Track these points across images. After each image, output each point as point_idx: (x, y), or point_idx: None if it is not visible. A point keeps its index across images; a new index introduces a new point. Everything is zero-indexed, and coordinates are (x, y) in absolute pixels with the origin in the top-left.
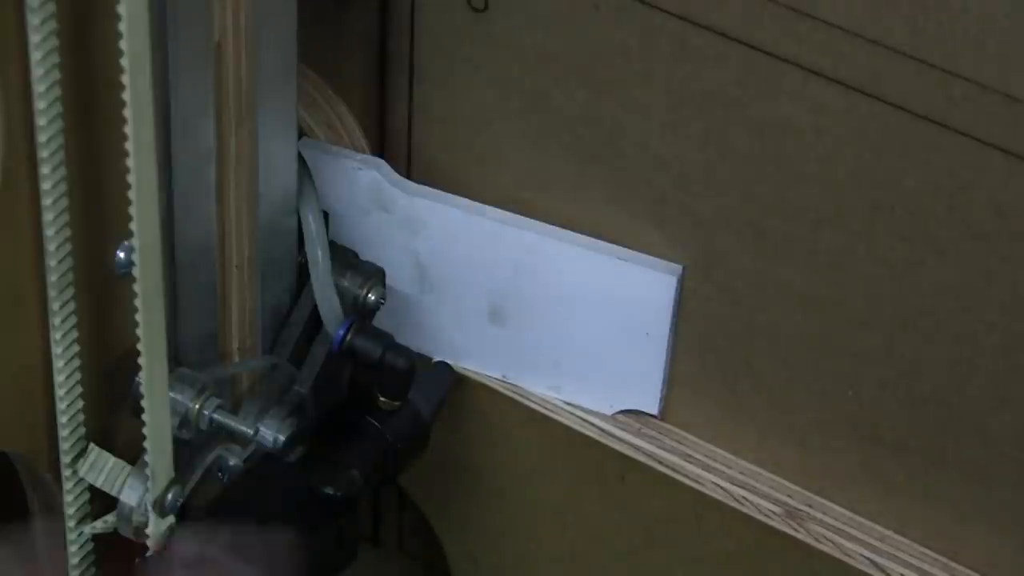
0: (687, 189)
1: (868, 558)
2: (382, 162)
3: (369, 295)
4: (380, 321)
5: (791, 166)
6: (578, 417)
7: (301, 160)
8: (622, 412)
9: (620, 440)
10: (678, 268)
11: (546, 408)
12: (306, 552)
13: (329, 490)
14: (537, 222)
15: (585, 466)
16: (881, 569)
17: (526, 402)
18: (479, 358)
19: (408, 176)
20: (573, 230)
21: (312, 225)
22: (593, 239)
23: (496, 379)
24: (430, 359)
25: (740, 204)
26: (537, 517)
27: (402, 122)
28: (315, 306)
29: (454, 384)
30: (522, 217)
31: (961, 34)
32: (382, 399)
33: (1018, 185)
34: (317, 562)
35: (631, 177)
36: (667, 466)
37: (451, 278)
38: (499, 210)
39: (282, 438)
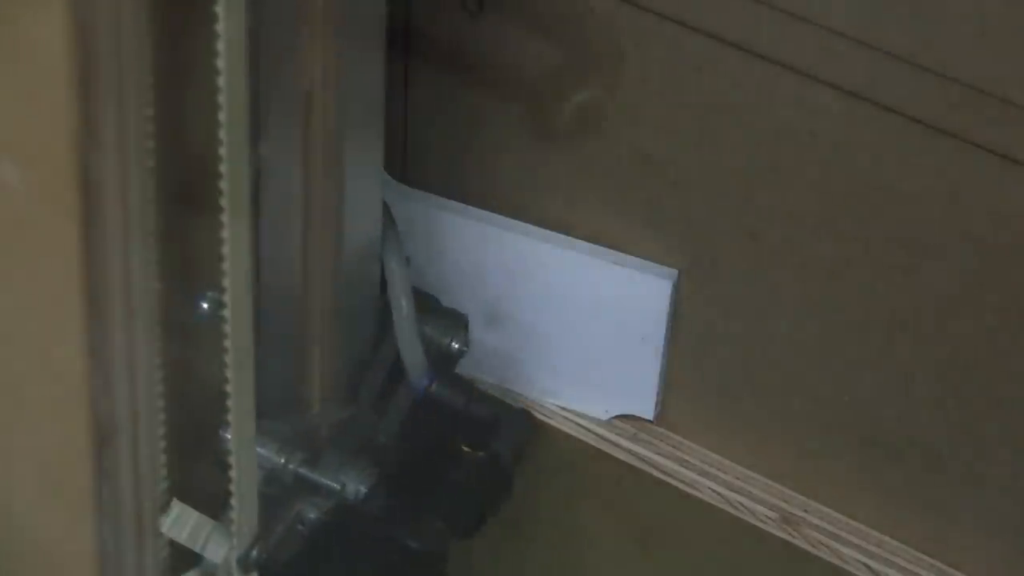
0: (683, 193)
1: (864, 563)
2: None
3: (452, 343)
4: None
5: (787, 170)
6: (574, 422)
7: (385, 207)
8: (618, 417)
9: (616, 445)
10: (674, 273)
11: (542, 413)
12: None
13: (414, 544)
14: (533, 227)
15: (581, 471)
16: (876, 573)
17: (522, 407)
18: (474, 363)
19: (404, 180)
20: (569, 235)
21: (396, 272)
22: (589, 244)
23: (492, 384)
24: (510, 405)
25: (736, 208)
26: (532, 521)
27: (397, 125)
28: (397, 354)
29: (534, 430)
30: (518, 222)
31: (958, 39)
32: (465, 448)
33: (1014, 189)
34: None
35: (627, 182)
36: (663, 471)
37: (447, 283)
38: (495, 215)
39: (363, 489)
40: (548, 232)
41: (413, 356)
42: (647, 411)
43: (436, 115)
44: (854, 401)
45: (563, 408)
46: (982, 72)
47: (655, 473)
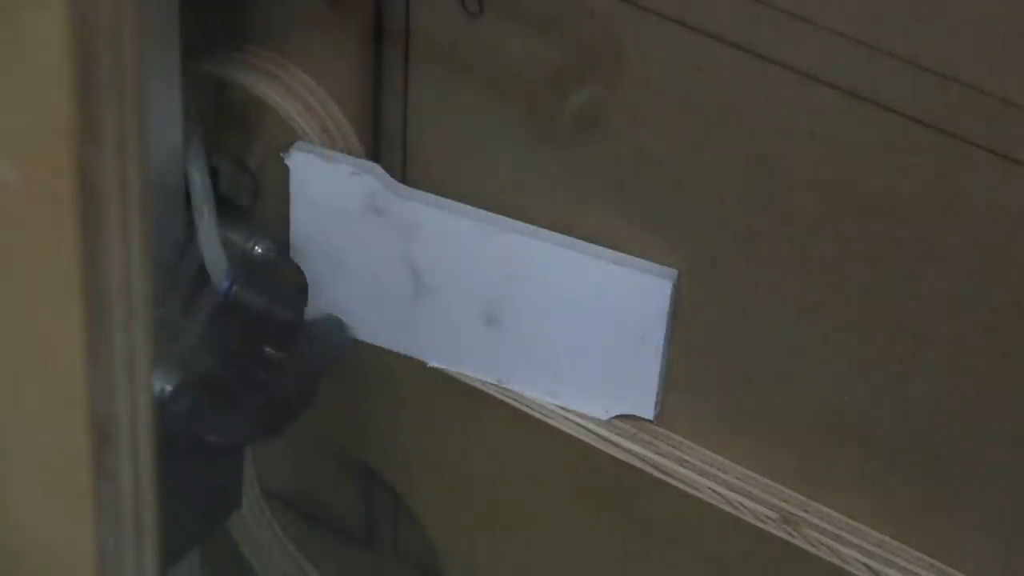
0: (683, 193)
1: (864, 563)
2: (377, 167)
3: (256, 247)
4: (369, 322)
5: (787, 170)
6: (573, 422)
7: (188, 115)
8: (618, 417)
9: (616, 445)
10: (674, 273)
11: (542, 413)
12: (190, 500)
13: (212, 437)
14: (532, 227)
15: (581, 471)
16: (876, 573)
17: (521, 407)
18: (474, 363)
19: (403, 180)
20: (569, 235)
21: (197, 178)
22: (589, 244)
23: (491, 384)
24: (327, 315)
25: (735, 209)
26: (532, 521)
27: (397, 126)
28: (202, 258)
29: (348, 337)
30: (517, 222)
31: (958, 38)
32: (269, 350)
33: (1014, 189)
34: (200, 509)
35: (626, 182)
36: (663, 471)
37: (446, 283)
38: (494, 215)
39: (169, 388)
40: (548, 232)
41: (214, 258)
42: (647, 411)
43: (436, 115)
44: (854, 401)
45: (563, 408)
46: (982, 72)
47: (655, 473)
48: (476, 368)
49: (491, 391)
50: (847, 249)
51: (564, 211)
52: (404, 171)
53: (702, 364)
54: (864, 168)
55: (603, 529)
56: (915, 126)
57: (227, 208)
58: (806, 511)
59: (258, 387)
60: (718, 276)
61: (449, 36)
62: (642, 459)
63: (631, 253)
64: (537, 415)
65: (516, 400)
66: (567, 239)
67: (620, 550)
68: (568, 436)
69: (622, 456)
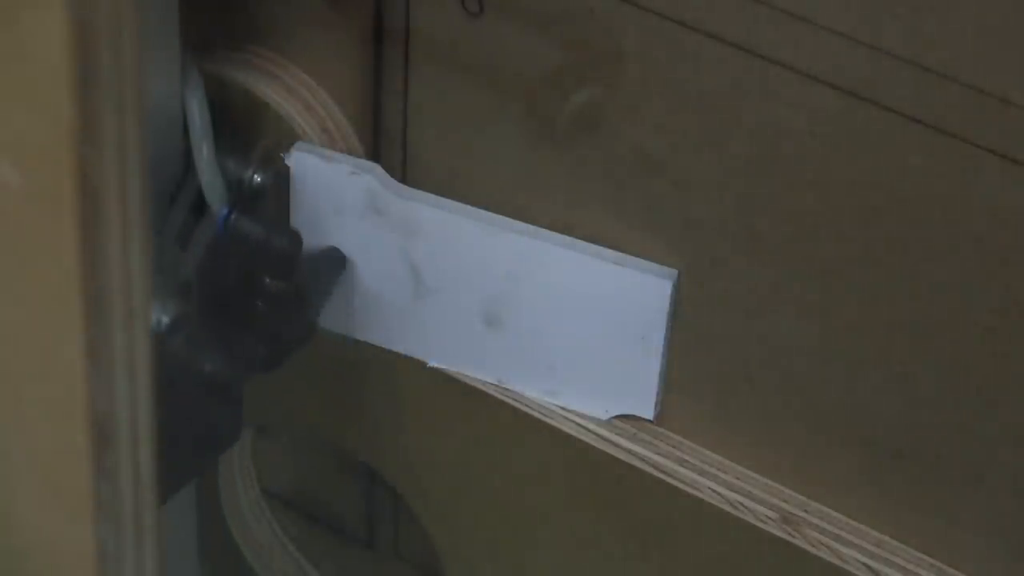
0: (683, 193)
1: (864, 563)
2: (376, 166)
3: (255, 176)
4: (369, 322)
5: (787, 170)
6: (573, 422)
7: (185, 47)
8: (618, 417)
9: (616, 445)
10: (674, 273)
11: (541, 413)
12: (188, 432)
13: (210, 369)
14: (532, 226)
15: (581, 471)
16: (876, 573)
17: (521, 407)
18: (474, 363)
19: (403, 180)
20: (569, 235)
21: (195, 108)
22: (588, 243)
23: (491, 384)
24: (329, 249)
25: (736, 209)
26: (532, 521)
27: (397, 125)
28: (200, 188)
29: (343, 264)
30: (517, 222)
31: (958, 38)
32: (268, 281)
33: (1014, 189)
34: (198, 442)
35: (627, 182)
36: (663, 471)
37: (446, 283)
38: (494, 214)
39: (166, 319)
40: (548, 232)
41: (212, 189)
42: (647, 411)
43: (436, 115)
44: (854, 401)
45: (563, 408)
46: (982, 72)
47: (655, 473)
48: (476, 368)
49: (491, 391)
50: (847, 249)
51: (564, 211)
52: (404, 171)
53: (702, 364)
54: (864, 168)
55: (603, 529)
56: (915, 126)
57: (226, 135)
58: (806, 511)
59: (257, 318)
60: (718, 276)
61: (449, 36)
62: (642, 459)
63: (631, 253)
64: (537, 415)
65: (516, 400)
66: (567, 239)
67: (620, 550)
68: (568, 436)
69: (622, 456)
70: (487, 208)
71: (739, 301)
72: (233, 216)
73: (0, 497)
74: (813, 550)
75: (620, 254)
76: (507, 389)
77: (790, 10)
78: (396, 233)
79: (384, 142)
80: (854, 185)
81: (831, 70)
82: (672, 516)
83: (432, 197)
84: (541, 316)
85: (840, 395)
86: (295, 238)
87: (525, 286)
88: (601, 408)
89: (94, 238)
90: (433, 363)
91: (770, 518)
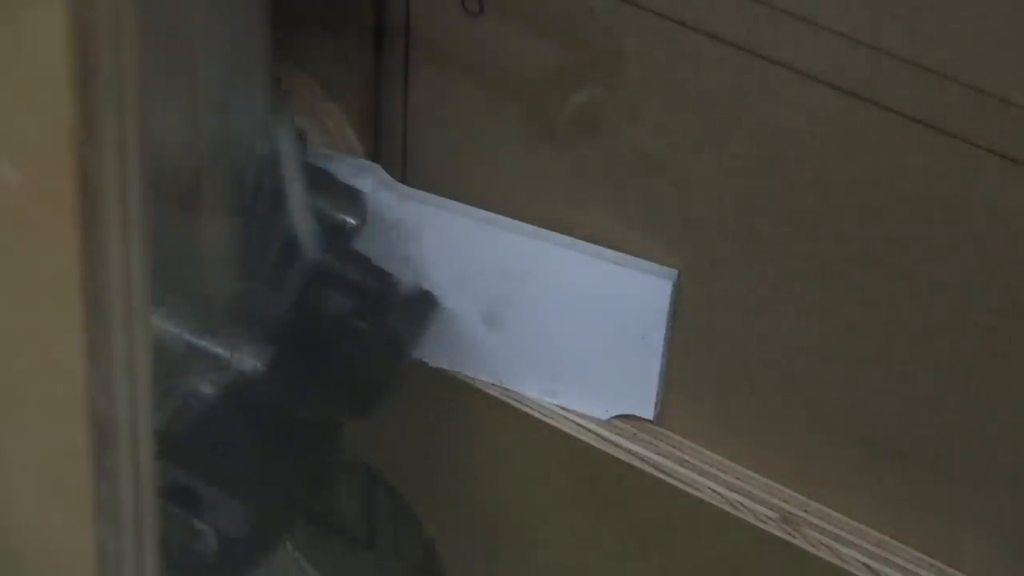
0: (683, 193)
1: (864, 563)
2: (376, 167)
3: (346, 217)
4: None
5: (787, 170)
6: (573, 422)
7: (275, 82)
8: (618, 417)
9: (616, 445)
10: (674, 273)
11: (541, 413)
12: (283, 479)
13: (307, 416)
14: (532, 227)
15: (580, 471)
16: (876, 573)
17: (521, 407)
18: (474, 363)
19: (403, 180)
20: (569, 235)
21: (287, 147)
22: (588, 243)
23: (491, 384)
24: (416, 287)
25: (736, 209)
26: (532, 521)
27: (397, 126)
28: (291, 229)
29: (434, 306)
30: (517, 222)
31: (958, 39)
32: (360, 324)
33: (1014, 189)
34: (294, 489)
35: (627, 182)
36: (663, 471)
37: (446, 283)
38: (494, 215)
39: (257, 363)
40: (548, 232)
41: (305, 230)
42: (647, 411)
43: (436, 115)
44: (854, 401)
45: (563, 408)
46: (982, 72)
47: (655, 473)
48: (476, 368)
49: (491, 391)
50: (847, 249)
51: (564, 211)
52: (404, 171)
53: (702, 364)
54: (864, 168)
55: (603, 529)
56: (915, 126)
57: (315, 176)
58: (806, 511)
59: (348, 360)
60: (718, 276)
61: (449, 36)
62: (642, 459)
63: (631, 253)
64: (537, 415)
65: (516, 400)
66: (567, 239)
67: (620, 550)
68: (568, 436)
69: (622, 456)
70: (487, 208)
71: (739, 301)
72: (327, 258)
73: (0, 497)
74: (813, 550)
75: (620, 254)
76: (507, 389)
77: (790, 10)
78: (396, 233)
79: (384, 142)
80: (854, 185)
81: (831, 70)
82: (672, 516)
83: (432, 197)
84: (541, 316)
85: (840, 395)
86: (389, 280)
87: (525, 286)
88: (601, 408)
89: (94, 238)
90: (433, 363)
91: (770, 518)
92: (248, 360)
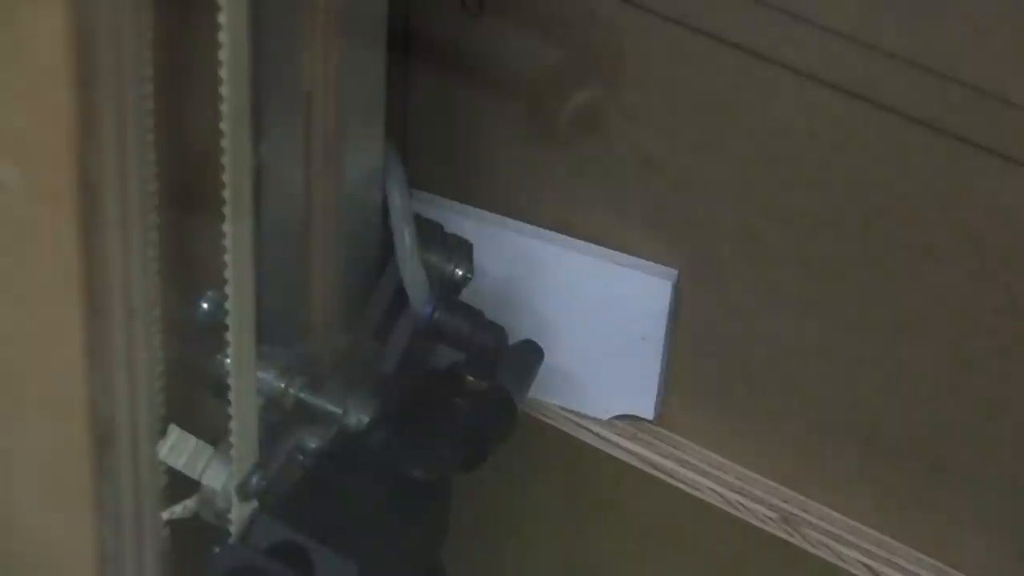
0: (683, 193)
1: (863, 563)
2: None
3: (456, 270)
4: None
5: (787, 170)
6: (574, 422)
7: (387, 137)
8: (618, 417)
9: (616, 445)
10: (674, 273)
11: (542, 413)
12: (393, 538)
13: (418, 473)
14: (532, 227)
15: (581, 471)
16: (876, 573)
17: (521, 407)
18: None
19: None
20: (569, 235)
21: (398, 199)
22: (589, 244)
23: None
24: (520, 338)
25: (736, 209)
26: (532, 521)
27: (397, 126)
28: (400, 282)
29: (540, 359)
30: (518, 222)
31: (957, 38)
32: (470, 378)
33: (1013, 189)
34: (405, 548)
35: (627, 182)
36: (662, 471)
37: None
38: (495, 215)
39: (366, 418)
40: (548, 232)
41: (415, 283)
42: (647, 411)
43: (436, 115)
44: (854, 401)
45: (563, 408)
46: (982, 72)
47: (655, 473)
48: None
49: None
50: (848, 249)
51: (564, 211)
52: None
53: (702, 364)
54: (864, 168)
55: (603, 528)
56: (915, 126)
57: (425, 227)
58: (805, 511)
59: (457, 416)
60: (718, 276)
61: (449, 36)
62: (642, 459)
63: (631, 253)
64: (538, 415)
65: (516, 400)
66: (567, 239)
67: (620, 550)
68: (568, 436)
69: (622, 456)
70: (487, 208)
71: (739, 301)
72: (437, 313)
73: (0, 497)
74: (813, 550)
75: (620, 254)
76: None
77: (790, 10)
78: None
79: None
80: (854, 185)
81: (831, 70)
82: (672, 516)
83: (432, 197)
84: (541, 316)
85: (840, 395)
86: (500, 334)
87: (525, 286)
88: (601, 408)
89: (94, 238)
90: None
91: (770, 518)
92: (355, 415)
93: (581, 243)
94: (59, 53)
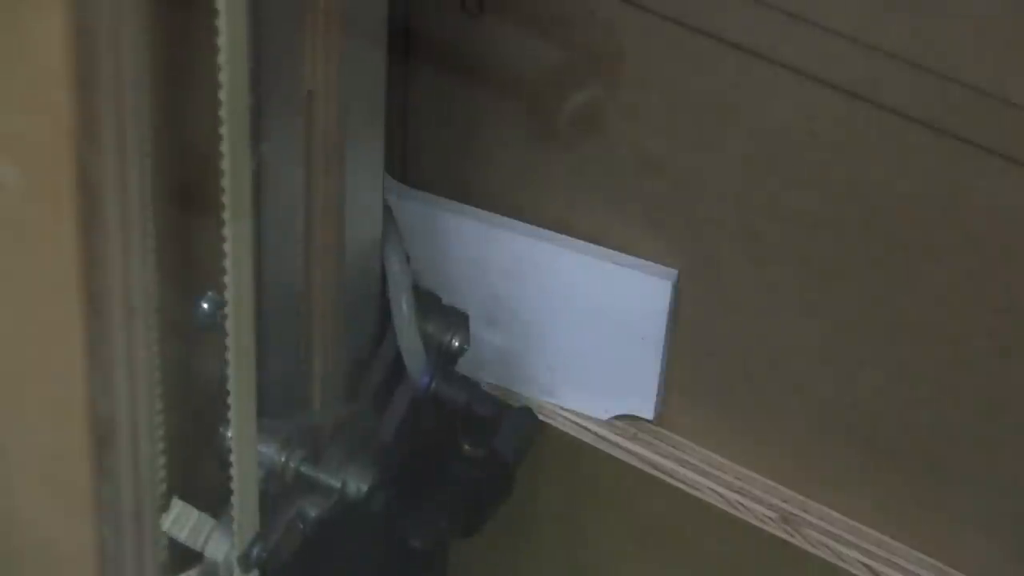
0: (683, 193)
1: (863, 563)
2: None
3: (453, 341)
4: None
5: (787, 171)
6: (574, 422)
7: (386, 206)
8: (618, 417)
9: (616, 445)
10: (674, 273)
11: (542, 413)
12: None
13: (416, 542)
14: (532, 227)
15: (581, 471)
16: (876, 573)
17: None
18: (475, 363)
19: (403, 180)
20: (569, 235)
21: (396, 270)
22: (589, 244)
23: (492, 384)
24: (512, 404)
25: (735, 209)
26: (533, 521)
27: (397, 126)
28: (398, 352)
29: (537, 428)
30: (517, 222)
31: (958, 39)
32: (467, 447)
33: (1013, 189)
34: None
35: (627, 181)
36: (662, 471)
37: (446, 283)
38: (495, 215)
39: (364, 487)
40: (548, 232)
41: (413, 354)
42: (647, 411)
43: (436, 115)
44: (854, 401)
45: (563, 408)
46: (982, 72)
47: (655, 473)
48: (476, 368)
49: (491, 391)
50: (847, 249)
51: (564, 211)
52: (404, 171)
53: (702, 364)
54: (864, 168)
55: (603, 529)
56: (915, 126)
57: (421, 298)
58: (805, 511)
59: (455, 484)
60: (718, 276)
61: (449, 36)
62: (642, 459)
63: (631, 253)
64: (537, 415)
65: (516, 400)
66: (567, 239)
67: (620, 550)
68: (568, 436)
69: (622, 456)
70: (487, 208)
71: (739, 301)
72: (434, 383)
73: (0, 497)
74: (812, 550)
75: (620, 254)
76: (508, 389)
77: (790, 10)
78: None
79: (384, 142)
80: (854, 185)
81: (831, 70)
82: (672, 516)
83: (432, 197)
84: (541, 316)
85: (840, 395)
86: (496, 405)
87: (525, 286)
88: (601, 408)
89: (94, 238)
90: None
91: (770, 518)
92: (354, 483)
93: (581, 243)
94: (59, 54)
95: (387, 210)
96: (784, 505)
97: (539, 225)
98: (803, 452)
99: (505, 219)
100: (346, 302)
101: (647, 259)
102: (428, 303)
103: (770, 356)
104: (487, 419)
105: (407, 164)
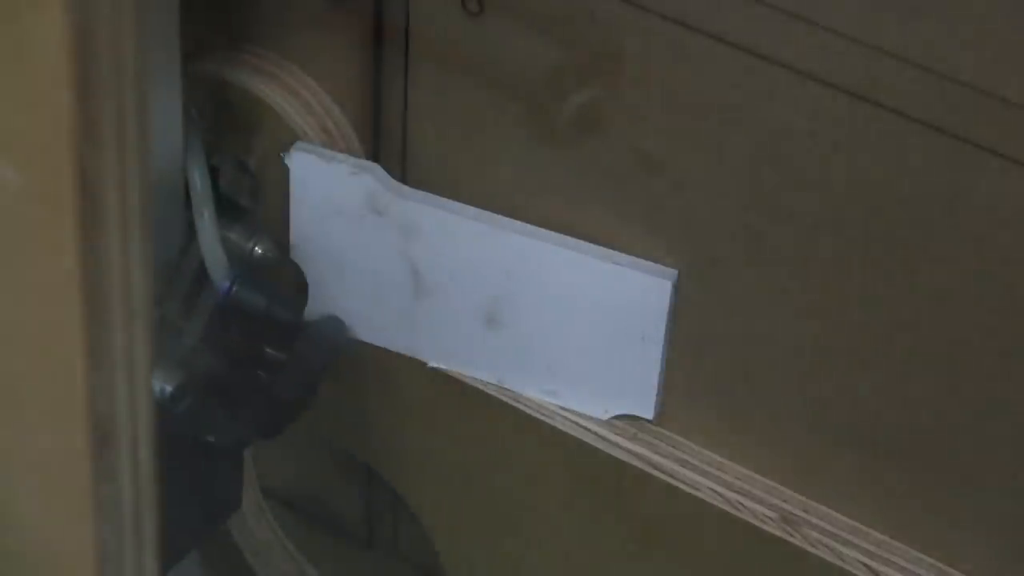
0: (683, 193)
1: (864, 563)
2: (376, 167)
3: (256, 248)
4: (370, 323)
5: (787, 171)
6: (573, 422)
7: (188, 115)
8: (617, 417)
9: (615, 445)
10: (674, 273)
11: (541, 413)
12: (190, 501)
13: (212, 438)
14: (532, 227)
15: (580, 471)
16: (876, 573)
17: (521, 407)
18: (474, 363)
19: (403, 180)
20: (569, 235)
21: (197, 180)
22: (588, 243)
23: (491, 384)
24: (327, 315)
25: (735, 209)
26: (532, 522)
27: (397, 126)
28: (203, 260)
29: (348, 338)
30: (517, 222)
31: (958, 38)
32: (269, 350)
33: (1014, 189)
34: (200, 510)
35: (627, 182)
36: (662, 471)
37: (446, 283)
38: (494, 215)
39: (169, 388)
40: (548, 232)
41: (213, 259)
42: (647, 411)
43: (436, 115)
44: (854, 401)
45: (563, 408)
46: (982, 72)
47: (655, 473)
48: (476, 368)
49: (491, 391)
50: (847, 249)
51: (564, 211)
52: (404, 171)
53: (702, 364)
54: (864, 168)
55: (603, 529)
56: (915, 126)
57: (227, 208)
58: (806, 511)
59: (258, 388)
60: (718, 276)
61: (449, 36)
62: (642, 459)
63: (631, 253)
64: (537, 415)
65: (516, 400)
66: (567, 239)
67: (620, 550)
68: (568, 436)
69: (622, 456)
70: (487, 208)
71: (739, 301)
72: (235, 288)
73: (0, 497)
74: (813, 550)
75: (620, 254)
76: (507, 389)
77: (790, 10)
78: (396, 233)
79: (384, 142)
80: (854, 185)
81: (831, 70)
82: (672, 516)
83: (432, 197)
84: (541, 316)
85: (840, 395)
86: (296, 308)
87: (525, 286)
88: (601, 408)
89: (94, 238)
90: (433, 363)
91: (770, 518)
92: (159, 385)
93: (580, 243)
94: (59, 54)
95: (190, 120)
96: (784, 505)
97: (540, 225)
98: (803, 452)
99: (505, 219)
100: (150, 209)
101: (647, 259)
102: (232, 211)
103: (770, 356)
104: (287, 323)
105: (407, 164)
